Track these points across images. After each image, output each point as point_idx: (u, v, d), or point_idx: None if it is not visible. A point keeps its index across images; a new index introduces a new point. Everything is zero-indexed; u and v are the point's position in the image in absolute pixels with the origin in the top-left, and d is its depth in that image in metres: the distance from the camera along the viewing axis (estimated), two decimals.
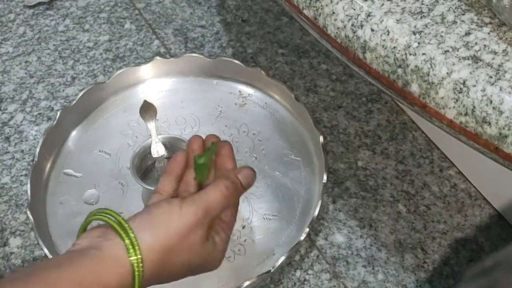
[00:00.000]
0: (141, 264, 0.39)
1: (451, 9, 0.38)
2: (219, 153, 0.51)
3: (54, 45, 0.83)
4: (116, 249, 0.39)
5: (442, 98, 0.36)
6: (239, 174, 0.48)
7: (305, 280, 0.62)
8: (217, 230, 0.46)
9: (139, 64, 0.74)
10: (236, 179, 0.47)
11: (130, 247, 0.39)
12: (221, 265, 0.60)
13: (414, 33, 0.37)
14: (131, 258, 0.39)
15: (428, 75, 0.36)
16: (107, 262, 0.39)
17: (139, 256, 0.39)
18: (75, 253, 0.39)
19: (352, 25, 0.39)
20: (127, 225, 0.40)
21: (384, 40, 0.38)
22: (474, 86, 0.34)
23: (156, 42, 0.84)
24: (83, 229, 0.43)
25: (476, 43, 0.36)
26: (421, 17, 0.38)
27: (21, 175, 0.69)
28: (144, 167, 0.64)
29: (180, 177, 0.50)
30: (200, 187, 0.50)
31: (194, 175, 0.50)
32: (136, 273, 0.39)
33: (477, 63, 0.35)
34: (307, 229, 0.59)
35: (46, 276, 0.36)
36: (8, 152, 0.71)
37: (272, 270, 0.56)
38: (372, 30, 0.38)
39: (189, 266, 0.43)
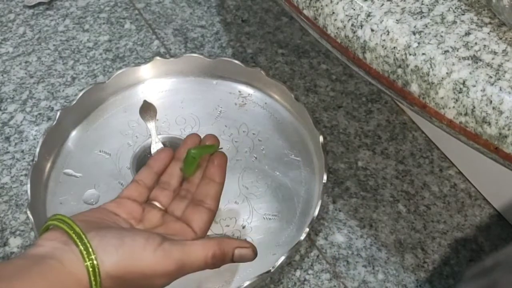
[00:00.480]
0: (97, 269, 0.38)
1: (451, 9, 0.38)
2: (212, 160, 0.50)
3: (54, 45, 0.83)
4: (72, 259, 0.38)
5: (442, 98, 0.36)
6: (237, 249, 0.44)
7: (305, 280, 0.62)
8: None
9: (139, 64, 0.74)
10: (231, 253, 0.44)
11: (85, 252, 0.38)
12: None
13: (414, 33, 0.37)
14: (86, 263, 0.38)
15: (428, 75, 0.36)
16: (65, 275, 0.37)
17: (94, 262, 0.38)
18: (31, 261, 0.37)
19: (352, 25, 0.39)
20: (83, 235, 0.39)
21: (384, 40, 0.38)
22: (474, 86, 0.34)
23: (156, 42, 0.84)
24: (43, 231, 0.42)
25: (476, 43, 0.36)
26: (421, 17, 0.38)
27: (21, 175, 0.69)
28: None
29: (161, 172, 0.49)
30: (183, 180, 0.50)
31: (181, 165, 0.49)
32: (92, 277, 0.38)
33: (477, 63, 0.35)
34: (307, 229, 0.59)
35: None
36: (8, 152, 0.71)
37: (272, 270, 0.56)
38: (372, 30, 0.38)
39: (144, 283, 0.41)
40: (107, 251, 0.39)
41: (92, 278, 0.38)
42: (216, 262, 0.43)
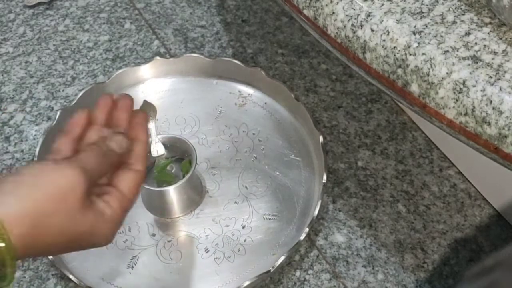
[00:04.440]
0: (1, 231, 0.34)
1: (451, 9, 0.38)
2: (133, 119, 0.47)
3: (54, 45, 0.83)
4: None
5: (442, 98, 0.36)
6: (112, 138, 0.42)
7: (305, 280, 0.62)
8: (106, 199, 0.41)
9: (139, 64, 0.74)
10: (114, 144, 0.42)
11: None
12: (221, 265, 0.60)
13: (414, 33, 0.37)
14: None
15: (428, 75, 0.36)
16: None
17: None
18: None
19: (352, 25, 0.39)
20: None
21: (384, 40, 0.38)
22: (474, 86, 0.34)
23: (156, 42, 0.84)
24: None
25: (476, 43, 0.36)
26: (421, 17, 0.38)
27: None
28: None
29: (79, 138, 0.45)
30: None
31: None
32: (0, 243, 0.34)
33: (477, 63, 0.35)
34: (307, 229, 0.59)
35: None
36: (8, 152, 0.71)
37: (272, 270, 0.56)
38: (372, 30, 0.38)
39: (69, 235, 0.38)
40: (5, 189, 0.36)
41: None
42: (110, 152, 0.42)
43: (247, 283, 0.55)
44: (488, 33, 0.37)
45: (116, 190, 0.42)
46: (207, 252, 0.61)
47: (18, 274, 0.62)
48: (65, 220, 0.37)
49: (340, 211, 0.67)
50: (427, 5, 0.39)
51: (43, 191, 0.36)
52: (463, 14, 0.38)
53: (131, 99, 0.48)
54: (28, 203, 0.35)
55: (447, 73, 0.35)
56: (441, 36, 0.37)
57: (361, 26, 0.39)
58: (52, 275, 0.62)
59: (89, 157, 0.40)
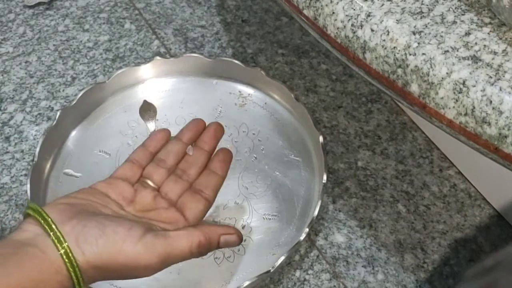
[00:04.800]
0: (72, 257, 0.37)
1: (451, 9, 0.38)
2: (218, 154, 0.50)
3: (54, 45, 0.83)
4: (52, 246, 0.38)
5: (442, 98, 0.36)
6: (223, 236, 0.44)
7: (305, 280, 0.62)
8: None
9: (139, 64, 0.74)
10: (216, 240, 0.44)
11: (56, 241, 0.37)
12: (221, 265, 0.60)
13: (414, 33, 0.37)
14: (59, 252, 0.37)
15: (428, 75, 0.36)
16: (44, 263, 0.37)
17: (68, 250, 0.37)
18: (10, 249, 0.37)
19: (352, 25, 0.39)
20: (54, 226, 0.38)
21: (384, 40, 0.38)
22: (474, 86, 0.34)
23: (156, 42, 0.84)
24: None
25: (476, 43, 0.36)
26: (421, 17, 0.38)
27: (21, 175, 0.69)
28: None
29: (157, 152, 0.49)
30: (180, 160, 0.50)
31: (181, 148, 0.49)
32: (68, 263, 0.37)
33: (477, 63, 0.35)
34: (307, 229, 0.59)
35: None
36: (8, 152, 0.71)
37: (272, 270, 0.56)
38: (372, 30, 0.38)
39: (129, 268, 0.40)
40: (88, 241, 0.38)
41: (69, 265, 0.37)
42: (202, 250, 0.43)
43: (247, 283, 0.55)
44: (488, 33, 0.37)
45: (181, 216, 0.45)
46: None
47: None
48: (126, 275, 0.40)
49: (340, 211, 0.67)
50: (427, 5, 0.39)
51: (119, 261, 0.39)
52: (463, 14, 0.38)
53: (223, 130, 0.51)
54: (104, 261, 0.39)
55: (447, 73, 0.35)
56: (441, 36, 0.37)
57: (361, 26, 0.39)
58: None
59: (181, 243, 0.42)
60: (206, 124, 0.53)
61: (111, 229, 0.40)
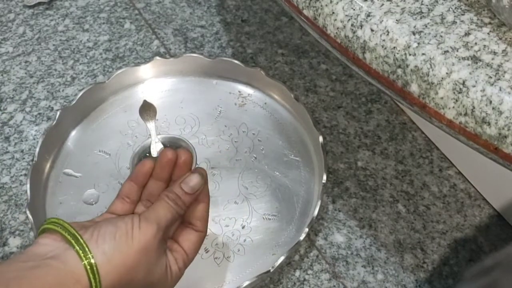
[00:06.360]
0: (95, 268, 0.39)
1: (450, 9, 0.38)
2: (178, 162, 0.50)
3: (54, 45, 0.83)
4: (73, 257, 0.39)
5: (442, 98, 0.36)
6: (182, 182, 0.47)
7: (304, 280, 0.62)
8: (175, 256, 0.46)
9: (139, 64, 0.74)
10: (179, 189, 0.47)
11: (81, 252, 0.39)
12: (221, 265, 0.60)
13: (414, 33, 0.37)
14: (83, 263, 0.39)
15: (428, 75, 0.36)
16: (65, 275, 0.38)
17: (92, 261, 0.39)
18: (31, 262, 0.38)
19: (352, 25, 0.39)
20: (78, 234, 0.40)
21: (384, 40, 0.38)
22: (474, 86, 0.34)
23: (156, 42, 0.84)
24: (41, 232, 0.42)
25: (475, 43, 0.36)
26: (421, 17, 0.38)
27: (21, 175, 0.69)
28: None
29: (144, 185, 0.50)
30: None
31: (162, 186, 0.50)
32: (91, 275, 0.38)
33: (476, 63, 0.35)
34: (307, 229, 0.59)
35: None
36: (8, 152, 0.71)
37: (271, 270, 0.56)
38: (372, 30, 0.38)
39: (144, 285, 0.43)
40: (107, 240, 0.41)
41: (91, 276, 0.38)
42: (176, 201, 0.46)
43: (246, 283, 0.55)
44: (488, 33, 0.37)
45: (182, 249, 0.47)
46: (206, 252, 0.61)
47: None
48: (144, 271, 0.42)
49: (340, 211, 0.67)
50: (427, 5, 0.39)
51: (133, 249, 0.41)
52: (463, 14, 0.38)
53: (191, 157, 0.51)
54: (122, 256, 0.41)
55: (446, 73, 0.35)
56: (441, 36, 0.37)
57: (361, 26, 0.39)
58: None
59: (161, 212, 0.45)
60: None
61: (122, 222, 0.43)
